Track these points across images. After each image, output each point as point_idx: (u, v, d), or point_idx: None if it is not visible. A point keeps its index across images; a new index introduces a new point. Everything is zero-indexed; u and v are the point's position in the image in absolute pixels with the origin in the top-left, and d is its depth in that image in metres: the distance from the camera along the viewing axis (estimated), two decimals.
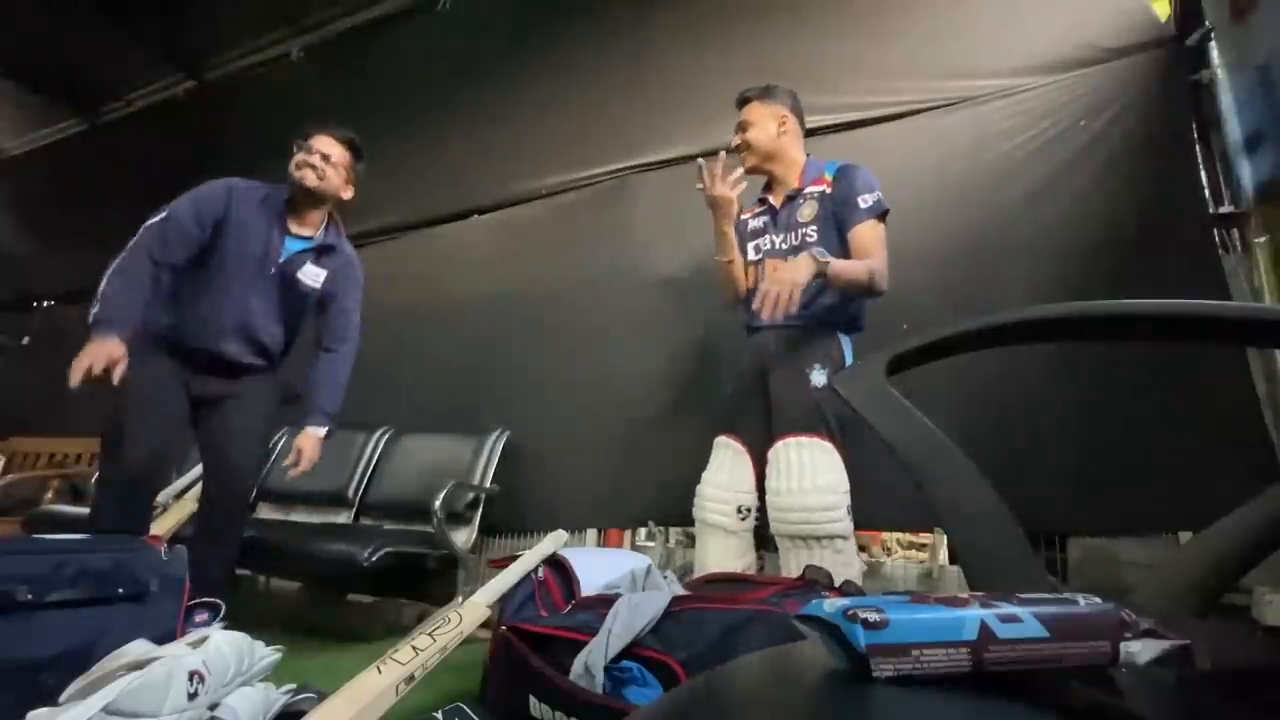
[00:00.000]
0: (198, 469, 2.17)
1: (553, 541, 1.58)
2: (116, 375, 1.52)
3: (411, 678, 1.02)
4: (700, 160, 1.67)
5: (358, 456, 2.63)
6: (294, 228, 1.83)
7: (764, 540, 1.65)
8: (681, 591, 1.29)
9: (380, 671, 0.99)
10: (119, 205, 1.55)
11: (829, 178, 1.69)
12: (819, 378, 1.56)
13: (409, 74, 3.42)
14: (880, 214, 1.61)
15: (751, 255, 1.79)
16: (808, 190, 1.71)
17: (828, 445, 1.50)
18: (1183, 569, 0.59)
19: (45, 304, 4.60)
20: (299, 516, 2.59)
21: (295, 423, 1.89)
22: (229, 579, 1.83)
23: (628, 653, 1.06)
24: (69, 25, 3.83)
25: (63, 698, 0.95)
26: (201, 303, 1.72)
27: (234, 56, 4.08)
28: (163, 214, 1.71)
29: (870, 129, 2.28)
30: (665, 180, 2.63)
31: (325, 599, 2.42)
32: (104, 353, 1.51)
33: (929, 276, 2.01)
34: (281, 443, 2.68)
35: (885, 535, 2.81)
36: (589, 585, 1.38)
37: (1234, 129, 1.72)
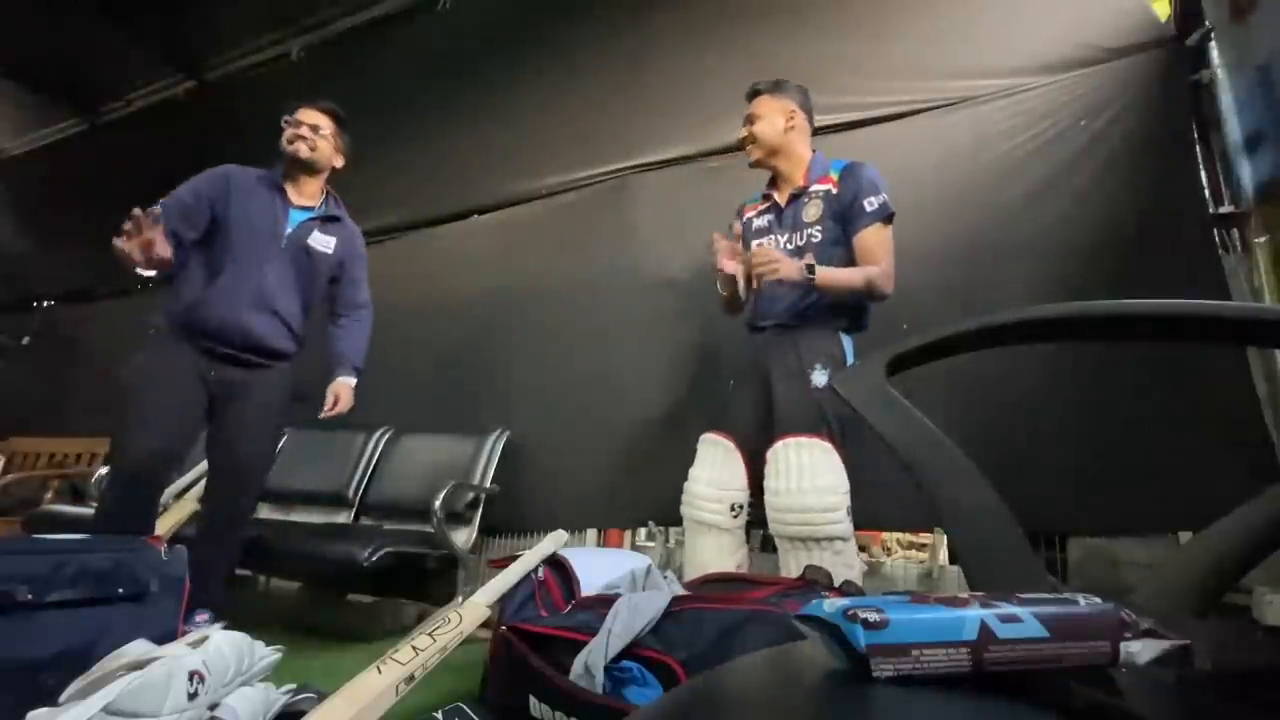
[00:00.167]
0: (199, 468, 2.17)
1: (553, 541, 1.58)
2: (156, 248, 1.52)
3: (411, 678, 1.02)
4: (714, 235, 1.66)
5: (358, 456, 2.62)
6: (295, 199, 1.88)
7: (764, 541, 1.65)
8: (681, 591, 1.29)
9: (380, 671, 0.99)
10: (119, 205, 1.55)
11: (834, 176, 1.68)
12: (820, 378, 1.55)
13: (409, 74, 3.42)
14: (886, 217, 1.60)
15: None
16: (813, 188, 1.70)
17: (827, 446, 1.50)
18: (1183, 569, 0.59)
19: (45, 304, 4.60)
20: (299, 516, 2.59)
21: (296, 423, 1.90)
22: (229, 579, 1.83)
23: (628, 653, 1.06)
24: (69, 25, 3.82)
25: (63, 698, 0.95)
26: (219, 277, 1.74)
27: (234, 56, 4.08)
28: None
29: (870, 129, 2.28)
30: (665, 180, 2.64)
31: (325, 599, 2.42)
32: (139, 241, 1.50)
33: (929, 276, 2.01)
34: (283, 442, 2.68)
35: (885, 535, 2.81)
36: (589, 585, 1.38)
37: (1234, 129, 1.72)
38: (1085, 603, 0.33)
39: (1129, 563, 1.66)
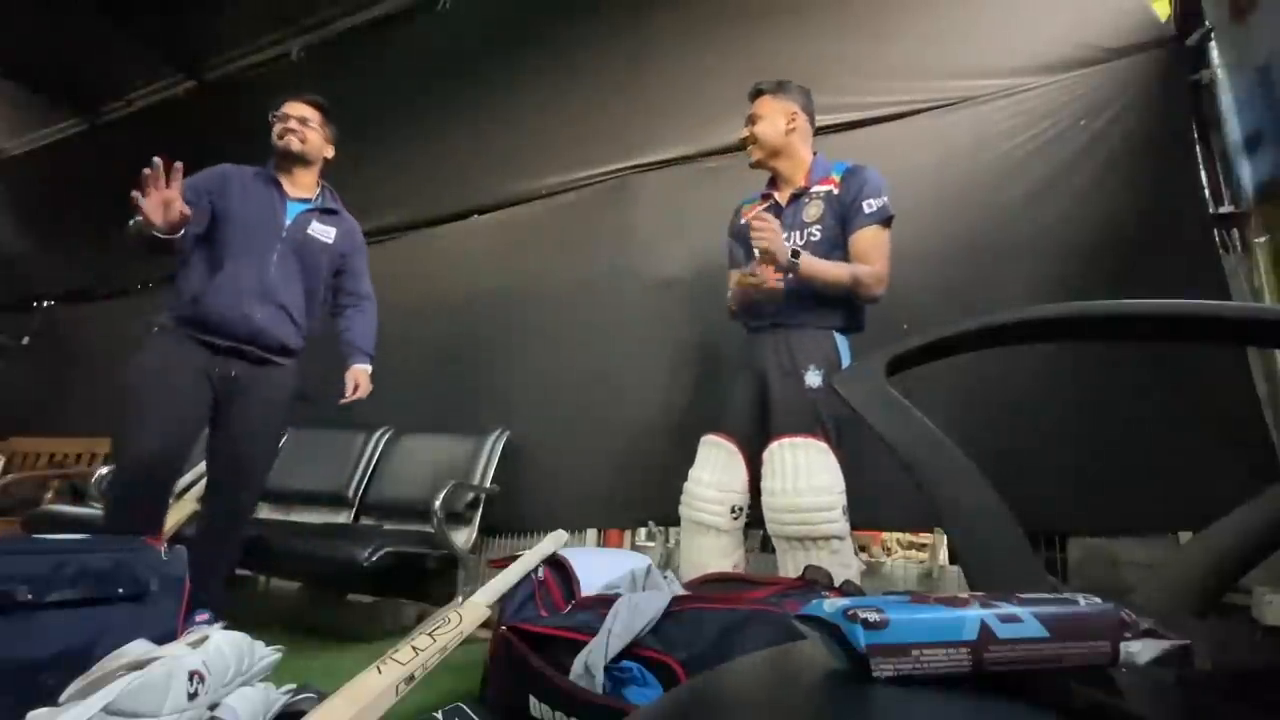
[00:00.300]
0: (199, 468, 2.17)
1: (553, 541, 1.58)
2: (175, 205, 1.51)
3: (411, 678, 1.02)
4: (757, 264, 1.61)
5: (358, 456, 2.63)
6: (292, 192, 1.89)
7: (764, 541, 1.65)
8: (681, 591, 1.29)
9: (380, 671, 0.99)
10: (119, 205, 1.55)
11: (837, 178, 1.68)
12: (814, 379, 1.56)
13: (409, 74, 3.42)
14: (885, 220, 1.60)
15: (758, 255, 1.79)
16: (814, 189, 1.70)
17: (823, 446, 1.50)
18: (1183, 569, 0.59)
19: (45, 304, 4.60)
20: (299, 516, 2.59)
21: (297, 423, 1.89)
22: (229, 579, 1.83)
23: (628, 653, 1.06)
24: (69, 25, 3.82)
25: (63, 698, 0.95)
26: (221, 271, 1.73)
27: (234, 56, 4.08)
28: None
29: (870, 129, 2.28)
30: (665, 180, 2.63)
31: (325, 599, 2.42)
32: (159, 198, 1.49)
33: (929, 276, 2.01)
34: (283, 442, 2.68)
35: (885, 535, 2.81)
36: (589, 585, 1.38)
37: (1234, 129, 1.72)
38: (1085, 603, 0.33)
39: (1129, 563, 1.66)
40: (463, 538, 2.24)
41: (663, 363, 2.41)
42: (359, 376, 1.98)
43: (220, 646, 1.10)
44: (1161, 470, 1.63)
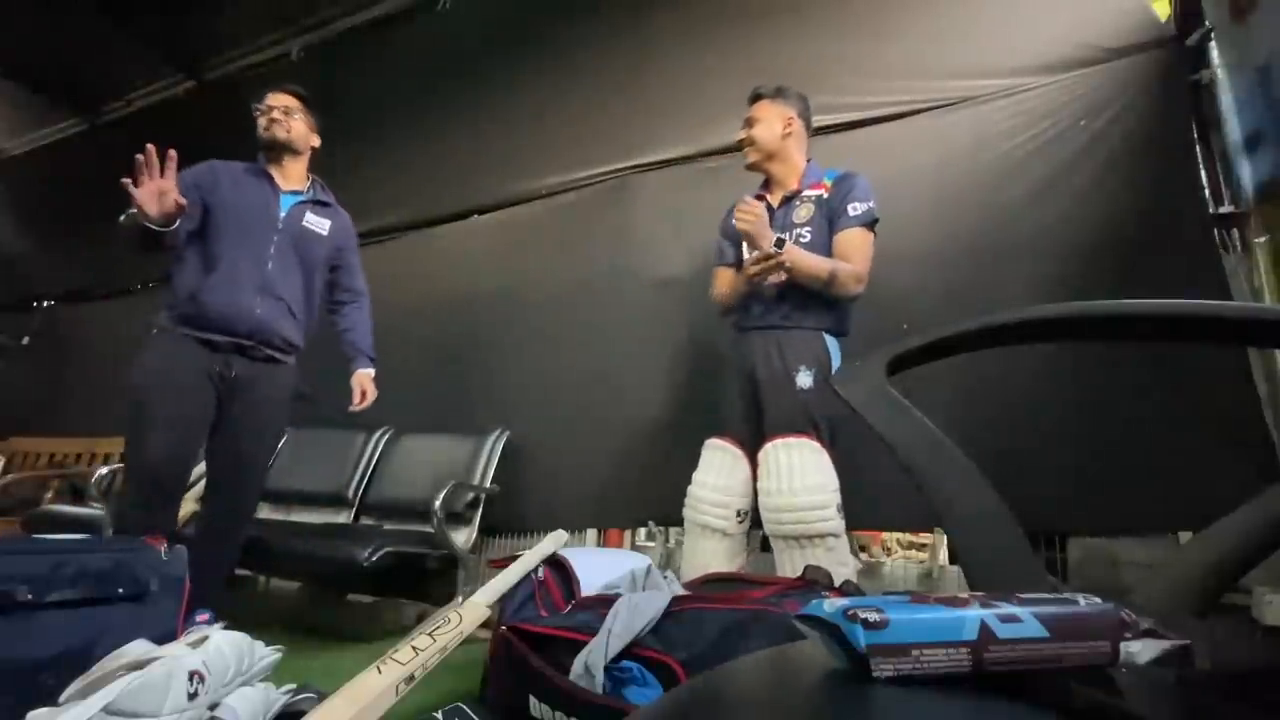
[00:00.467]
0: (199, 468, 2.17)
1: (553, 541, 1.58)
2: (171, 195, 1.50)
3: (411, 678, 1.02)
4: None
5: (358, 456, 2.62)
6: (283, 184, 1.88)
7: (765, 541, 1.65)
8: (681, 591, 1.29)
9: (380, 671, 0.99)
10: (119, 205, 1.54)
11: (828, 183, 1.73)
12: (805, 379, 1.59)
13: (409, 74, 3.42)
14: (869, 223, 1.65)
15: (746, 254, 1.80)
16: (805, 193, 1.74)
17: (816, 445, 1.53)
18: (1183, 569, 0.59)
19: (45, 304, 4.60)
20: (299, 516, 2.59)
21: (297, 423, 1.89)
22: (229, 579, 1.83)
23: (628, 653, 1.06)
24: (69, 25, 3.82)
25: (63, 698, 0.95)
26: (218, 266, 1.71)
27: (234, 56, 4.08)
28: None
29: (870, 129, 2.28)
30: (665, 180, 2.63)
31: (325, 599, 2.42)
32: (153, 187, 1.48)
33: (929, 276, 2.01)
34: (283, 442, 2.68)
35: (885, 535, 2.81)
36: (589, 585, 1.38)
37: (1234, 129, 1.71)
38: (1085, 603, 0.33)
39: (1129, 563, 1.66)
40: (463, 538, 2.24)
41: (662, 362, 2.41)
42: (365, 382, 1.99)
43: (220, 646, 1.10)
44: (1161, 470, 1.63)
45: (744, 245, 1.80)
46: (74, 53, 4.11)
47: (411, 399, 2.81)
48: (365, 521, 2.50)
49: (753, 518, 1.66)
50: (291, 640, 1.43)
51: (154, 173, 1.47)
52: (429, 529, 2.10)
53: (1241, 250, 1.69)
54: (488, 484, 2.35)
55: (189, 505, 2.06)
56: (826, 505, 1.48)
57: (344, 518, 2.53)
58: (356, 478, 2.57)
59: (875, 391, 0.59)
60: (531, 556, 1.45)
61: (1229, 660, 0.43)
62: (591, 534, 2.35)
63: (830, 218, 1.68)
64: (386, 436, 2.69)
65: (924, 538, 2.21)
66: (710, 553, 1.63)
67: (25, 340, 4.46)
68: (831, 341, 1.67)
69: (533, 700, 1.13)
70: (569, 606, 1.31)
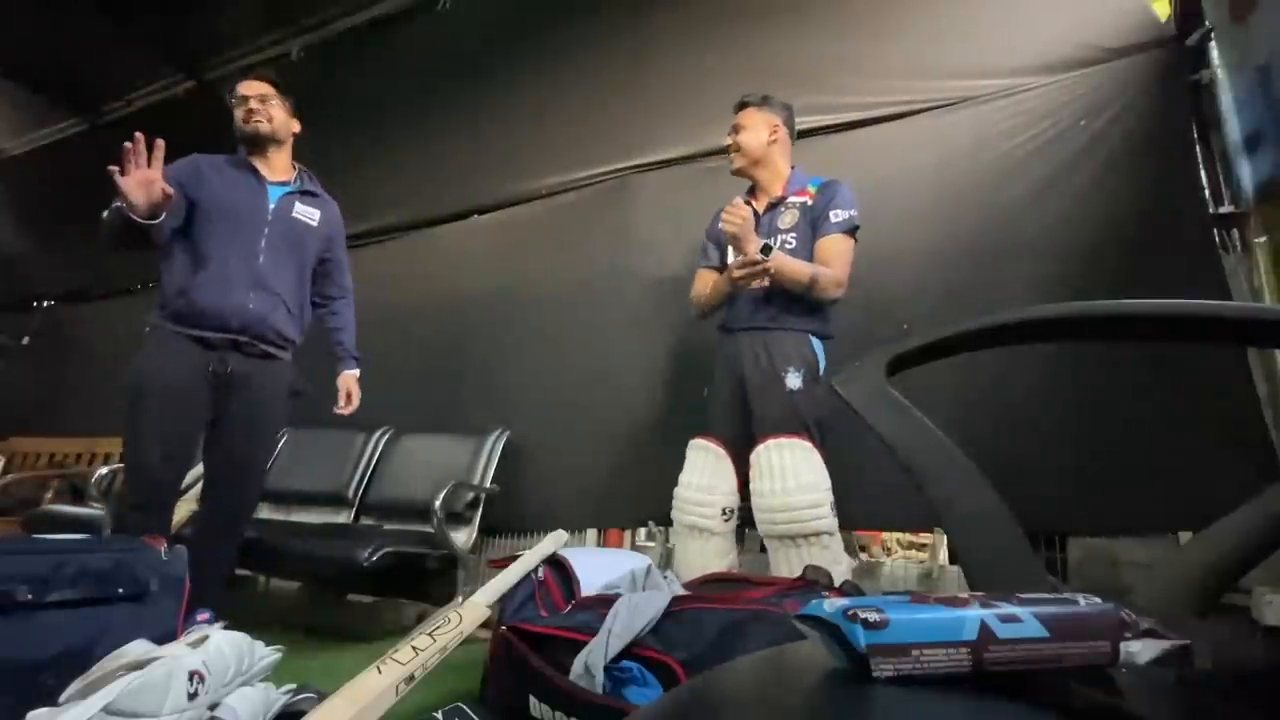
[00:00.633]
0: (198, 469, 2.17)
1: (553, 541, 1.58)
2: (158, 185, 1.47)
3: (411, 678, 1.02)
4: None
5: (358, 456, 2.62)
6: (269, 176, 1.84)
7: (763, 544, 1.65)
8: (681, 591, 1.29)
9: (380, 671, 0.99)
10: None
11: (812, 190, 1.77)
12: (794, 381, 1.62)
13: (409, 74, 3.42)
14: (850, 230, 1.69)
15: (731, 259, 1.82)
16: (790, 199, 1.79)
17: (808, 445, 1.56)
18: (1183, 569, 0.59)
19: (45, 304, 4.60)
20: (299, 516, 2.59)
21: (296, 423, 1.88)
22: (229, 579, 1.82)
23: (628, 653, 1.06)
24: (69, 25, 3.82)
25: (63, 698, 0.95)
26: (209, 262, 1.69)
27: (234, 56, 4.07)
28: None
29: (870, 129, 2.28)
30: (665, 180, 2.63)
31: (325, 599, 2.42)
32: (140, 176, 1.45)
33: (929, 276, 2.01)
34: (283, 442, 2.68)
35: (885, 535, 2.81)
36: (589, 585, 1.38)
37: (1234, 129, 1.71)
38: (1085, 603, 0.33)
39: (1129, 563, 1.66)
40: (463, 538, 2.24)
41: (662, 362, 2.41)
42: (351, 384, 1.98)
43: (220, 646, 1.10)
44: (1161, 470, 1.63)
45: (729, 249, 1.81)
46: (74, 53, 4.11)
47: (411, 399, 2.81)
48: (365, 521, 2.50)
49: (743, 517, 1.68)
50: (291, 640, 1.43)
51: (140, 161, 1.44)
52: (429, 529, 2.10)
53: (1241, 250, 1.69)
54: (488, 484, 2.35)
55: (189, 505, 2.06)
56: (820, 504, 1.51)
57: (344, 518, 2.53)
58: (356, 478, 2.57)
59: (875, 391, 0.59)
60: (531, 556, 1.45)
61: (1229, 660, 0.43)
62: (591, 534, 2.35)
63: (813, 223, 1.72)
64: (386, 436, 2.69)
65: (924, 538, 2.21)
66: (699, 552, 1.65)
67: (25, 340, 4.46)
68: (817, 343, 1.71)
69: (533, 700, 1.13)
70: (569, 606, 1.31)
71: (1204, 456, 1.59)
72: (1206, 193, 1.77)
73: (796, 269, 1.63)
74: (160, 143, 1.47)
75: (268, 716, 1.08)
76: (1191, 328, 0.59)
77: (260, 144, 1.82)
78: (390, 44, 3.53)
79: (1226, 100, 1.75)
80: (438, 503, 2.03)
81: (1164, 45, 1.90)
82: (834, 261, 1.66)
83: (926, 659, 0.29)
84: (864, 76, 2.32)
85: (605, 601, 1.19)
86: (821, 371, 1.68)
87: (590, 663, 1.06)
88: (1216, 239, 1.71)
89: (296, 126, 1.91)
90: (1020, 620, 0.31)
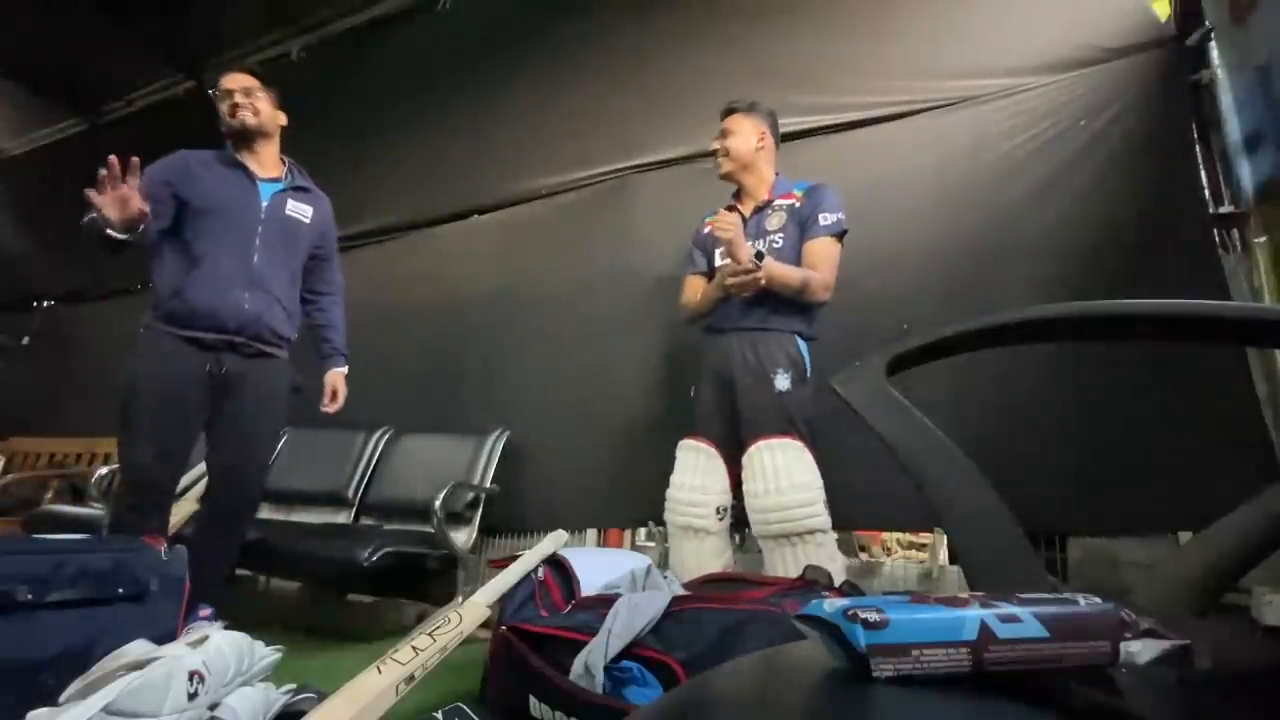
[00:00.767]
0: (199, 468, 2.17)
1: (553, 541, 1.58)
2: (132, 203, 1.47)
3: (411, 678, 1.02)
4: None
5: (358, 457, 2.62)
6: (260, 172, 1.82)
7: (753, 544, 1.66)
8: (681, 591, 1.29)
9: (380, 671, 0.99)
10: None
11: (799, 194, 1.79)
12: (783, 382, 1.64)
13: (409, 74, 3.41)
14: (838, 234, 1.71)
15: (719, 262, 1.84)
16: (777, 202, 1.80)
17: (800, 445, 1.58)
18: (1183, 569, 0.59)
19: (45, 304, 4.60)
20: (299, 516, 2.59)
21: (296, 423, 1.88)
22: (229, 579, 1.82)
23: (628, 653, 1.06)
24: (69, 25, 3.82)
25: (63, 698, 0.95)
26: (202, 261, 1.67)
27: (234, 56, 4.06)
28: None
29: (870, 129, 2.28)
30: (665, 180, 2.63)
31: (325, 599, 2.42)
32: (115, 194, 1.46)
33: (929, 276, 2.01)
34: (283, 442, 2.68)
35: (885, 535, 2.81)
36: (589, 585, 1.38)
37: (1234, 129, 1.71)
38: (1085, 603, 0.33)
39: (1129, 563, 1.66)
40: (463, 538, 2.24)
41: (662, 362, 2.41)
42: (339, 382, 1.96)
43: (220, 646, 1.10)
44: (1161, 470, 1.63)
45: (719, 251, 1.83)
46: (74, 53, 4.11)
47: (411, 399, 2.81)
48: (365, 521, 2.50)
49: (736, 517, 1.69)
50: (291, 640, 1.43)
51: (115, 183, 1.44)
52: (429, 529, 2.10)
53: (1241, 250, 1.69)
54: (488, 484, 2.35)
55: (189, 505, 2.06)
56: (814, 502, 1.53)
57: (344, 518, 2.53)
58: (356, 478, 2.57)
59: (875, 392, 0.59)
60: (531, 556, 1.45)
61: (1229, 660, 0.43)
62: (591, 534, 2.35)
63: (801, 225, 1.74)
64: (386, 436, 2.68)
65: (924, 538, 2.21)
66: (694, 553, 1.66)
67: (25, 340, 4.46)
68: (803, 345, 1.72)
69: (533, 700, 1.13)
70: (569, 606, 1.31)
71: (1204, 456, 1.59)
72: (1206, 193, 1.77)
73: (787, 274, 1.65)
74: (135, 160, 1.47)
75: (268, 716, 1.08)
76: (1191, 328, 0.60)
77: (248, 137, 1.80)
78: (390, 44, 3.53)
79: (1226, 100, 1.75)
80: (438, 503, 2.03)
81: (1164, 45, 1.90)
82: (821, 264, 1.68)
83: (926, 659, 0.29)
84: (864, 77, 2.32)
85: (605, 601, 1.19)
86: (808, 373, 1.70)
87: (590, 663, 1.06)
88: (1216, 239, 1.71)
89: (283, 119, 1.89)
90: (1020, 620, 0.31)
